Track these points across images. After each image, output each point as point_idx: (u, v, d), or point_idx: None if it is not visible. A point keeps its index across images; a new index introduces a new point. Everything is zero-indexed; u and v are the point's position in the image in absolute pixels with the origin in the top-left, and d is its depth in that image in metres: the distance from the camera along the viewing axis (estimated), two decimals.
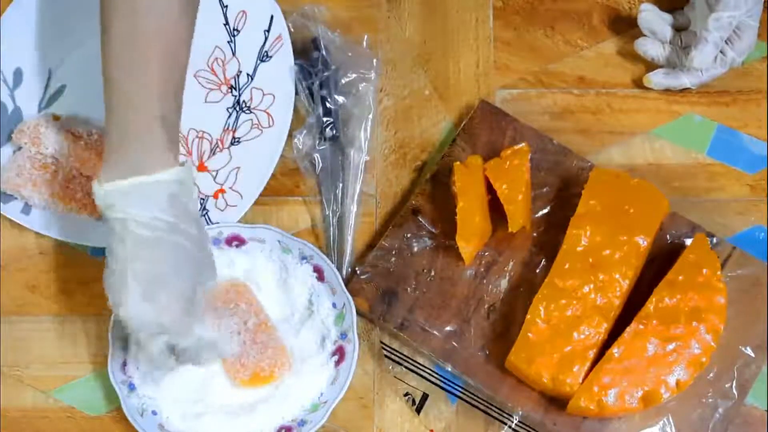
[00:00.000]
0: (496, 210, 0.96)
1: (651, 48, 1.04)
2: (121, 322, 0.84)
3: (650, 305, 0.90)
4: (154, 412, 0.93)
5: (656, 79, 1.04)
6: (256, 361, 0.93)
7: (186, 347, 0.85)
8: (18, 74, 1.04)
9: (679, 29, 1.04)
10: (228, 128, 1.03)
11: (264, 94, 1.04)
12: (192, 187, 0.85)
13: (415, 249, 0.98)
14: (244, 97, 1.04)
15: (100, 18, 0.85)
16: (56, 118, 1.02)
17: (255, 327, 0.94)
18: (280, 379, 0.93)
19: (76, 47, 1.06)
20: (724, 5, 0.98)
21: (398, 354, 0.96)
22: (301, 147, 1.02)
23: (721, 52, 1.01)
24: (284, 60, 1.04)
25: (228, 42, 1.06)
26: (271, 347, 0.93)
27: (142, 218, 0.81)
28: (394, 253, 0.97)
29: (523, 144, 0.97)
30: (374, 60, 1.05)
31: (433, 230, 0.98)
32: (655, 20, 1.03)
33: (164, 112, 0.83)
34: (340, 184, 1.01)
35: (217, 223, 0.99)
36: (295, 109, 1.03)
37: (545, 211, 0.99)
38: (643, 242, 0.93)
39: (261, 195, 1.00)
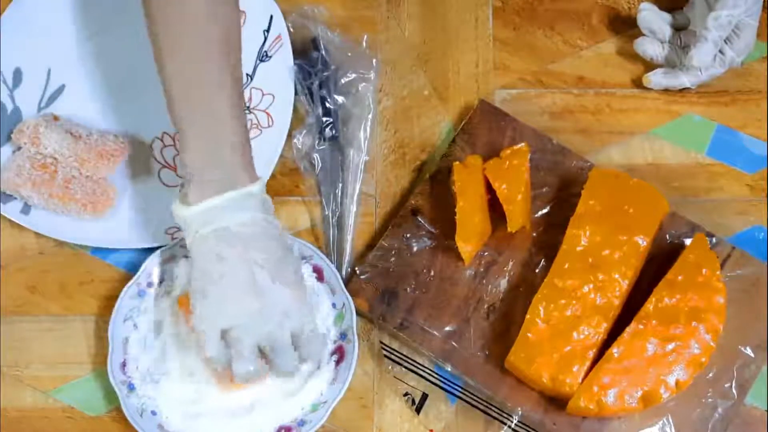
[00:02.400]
0: (495, 210, 0.96)
1: (650, 47, 1.04)
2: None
3: (650, 305, 0.90)
4: (153, 412, 0.93)
5: (655, 78, 1.04)
6: None
7: (300, 337, 0.87)
8: (17, 74, 1.04)
9: (678, 29, 1.04)
10: None
11: (263, 94, 1.04)
12: (267, 197, 0.90)
13: (415, 249, 0.98)
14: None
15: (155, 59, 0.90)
16: (56, 118, 1.02)
17: None
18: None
19: (76, 47, 1.06)
20: (723, 4, 0.98)
21: (398, 354, 0.96)
22: (300, 147, 1.02)
23: (721, 51, 1.01)
24: (284, 60, 1.04)
25: None
26: None
27: (245, 221, 0.86)
28: (393, 253, 0.97)
29: (523, 144, 0.97)
30: (374, 60, 1.05)
31: (433, 230, 0.98)
32: (654, 20, 1.03)
33: (240, 130, 0.89)
34: (340, 184, 1.01)
35: None
36: (295, 109, 1.03)
37: (545, 211, 0.99)
38: (643, 242, 0.93)
39: None
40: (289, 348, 0.87)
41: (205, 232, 0.86)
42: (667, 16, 1.04)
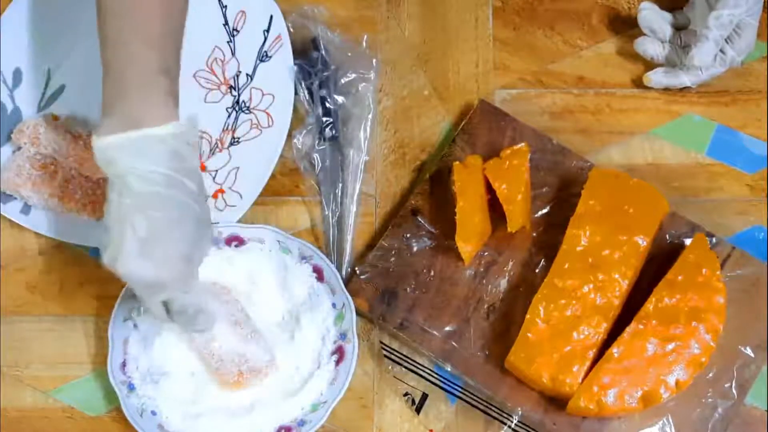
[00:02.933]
0: (495, 210, 0.96)
1: (650, 47, 1.04)
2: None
3: (650, 305, 0.90)
4: (153, 412, 0.93)
5: (656, 77, 1.04)
6: (237, 365, 0.93)
7: (183, 307, 0.84)
8: (17, 74, 1.04)
9: (679, 28, 1.04)
10: (227, 128, 1.04)
11: (263, 94, 1.04)
12: (194, 144, 0.82)
13: (415, 249, 0.98)
14: (244, 97, 1.04)
15: None
16: (55, 118, 1.02)
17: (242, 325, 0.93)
18: (261, 383, 0.94)
19: (75, 47, 1.06)
20: (724, 4, 0.98)
21: (398, 354, 0.96)
22: (300, 147, 1.02)
23: (721, 51, 1.01)
24: (284, 60, 1.04)
25: (227, 42, 1.06)
26: (251, 353, 0.93)
27: (140, 172, 0.79)
28: (393, 253, 0.97)
29: (523, 144, 0.97)
30: (374, 60, 1.05)
31: (433, 230, 0.98)
32: (654, 19, 1.03)
33: (163, 64, 0.81)
34: (340, 184, 1.01)
35: (217, 223, 0.99)
36: (295, 109, 1.03)
37: (545, 211, 0.99)
38: (643, 242, 0.93)
39: (260, 195, 1.00)
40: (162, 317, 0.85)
41: (108, 171, 0.81)
42: (667, 16, 1.04)
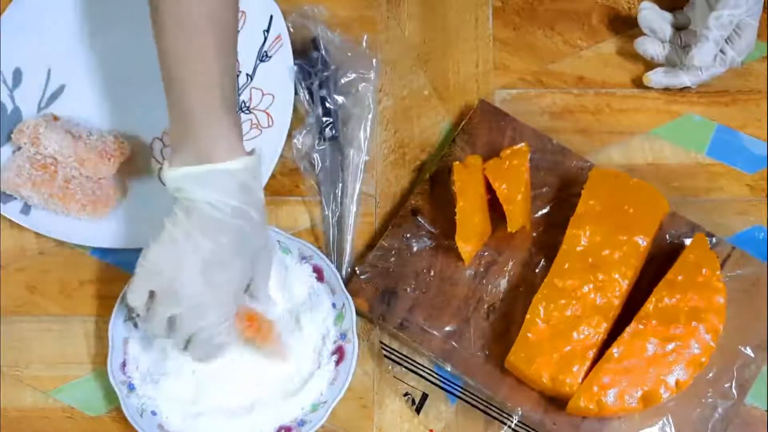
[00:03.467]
0: (495, 210, 0.96)
1: (650, 47, 1.04)
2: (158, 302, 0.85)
3: (650, 305, 0.90)
4: (153, 412, 0.93)
5: (656, 77, 1.04)
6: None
7: (210, 337, 0.86)
8: (17, 74, 1.04)
9: (679, 28, 1.04)
10: None
11: (263, 94, 1.04)
12: (259, 175, 0.86)
13: (415, 249, 0.98)
14: (244, 97, 1.04)
15: (150, 12, 0.86)
16: (56, 118, 1.02)
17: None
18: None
19: (75, 47, 1.06)
20: (724, 4, 0.98)
21: (398, 354, 0.96)
22: (300, 147, 1.02)
23: (721, 51, 1.01)
24: (284, 60, 1.04)
25: None
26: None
27: (211, 200, 0.83)
28: (393, 253, 0.97)
29: (523, 144, 0.97)
30: (374, 60, 1.05)
31: (433, 230, 0.98)
32: (654, 19, 1.03)
33: (224, 101, 0.85)
34: (340, 184, 1.01)
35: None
36: (295, 109, 1.03)
37: (545, 211, 0.99)
38: (643, 242, 0.93)
39: None
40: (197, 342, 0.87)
41: (177, 197, 0.84)
42: (667, 16, 1.04)
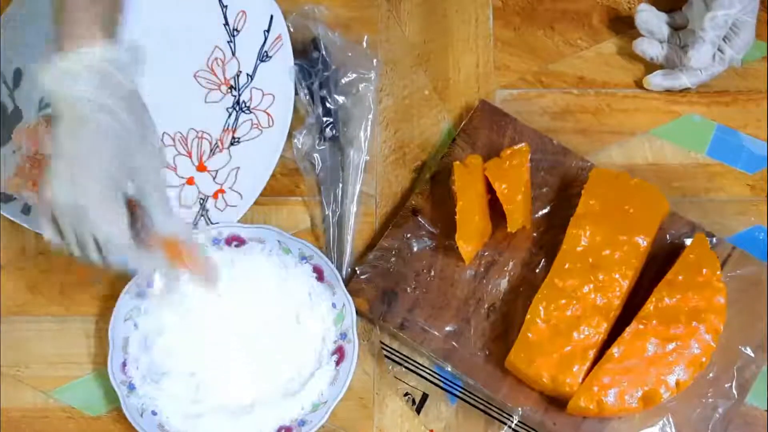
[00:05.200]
0: (496, 210, 0.96)
1: (649, 48, 1.04)
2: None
3: (650, 305, 0.90)
4: (153, 412, 0.93)
5: (655, 80, 1.04)
6: None
7: (107, 243, 0.82)
8: (17, 74, 1.04)
9: (677, 28, 1.04)
10: (228, 128, 1.04)
11: (264, 94, 1.04)
12: (131, 66, 0.81)
13: (415, 249, 0.98)
14: (244, 97, 1.04)
15: None
16: None
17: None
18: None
19: None
20: (719, 4, 0.98)
21: (398, 354, 0.96)
22: (301, 147, 1.02)
23: (720, 50, 1.01)
24: (284, 60, 1.04)
25: (228, 42, 1.06)
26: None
27: (69, 97, 0.79)
28: (393, 253, 0.97)
29: (523, 144, 0.97)
30: (374, 60, 1.05)
31: (433, 230, 0.98)
32: (652, 20, 1.04)
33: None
34: (340, 184, 1.01)
35: (217, 223, 0.99)
36: (295, 109, 1.03)
37: (545, 211, 0.99)
38: (643, 242, 0.93)
39: (261, 195, 1.00)
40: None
41: (50, 99, 0.81)
42: (665, 16, 1.04)
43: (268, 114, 1.03)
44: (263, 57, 1.05)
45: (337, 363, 0.94)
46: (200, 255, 0.90)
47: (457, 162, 0.97)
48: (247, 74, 1.05)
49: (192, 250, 0.89)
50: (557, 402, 0.91)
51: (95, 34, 0.80)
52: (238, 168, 1.02)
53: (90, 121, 0.79)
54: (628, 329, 0.89)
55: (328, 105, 1.03)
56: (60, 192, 0.79)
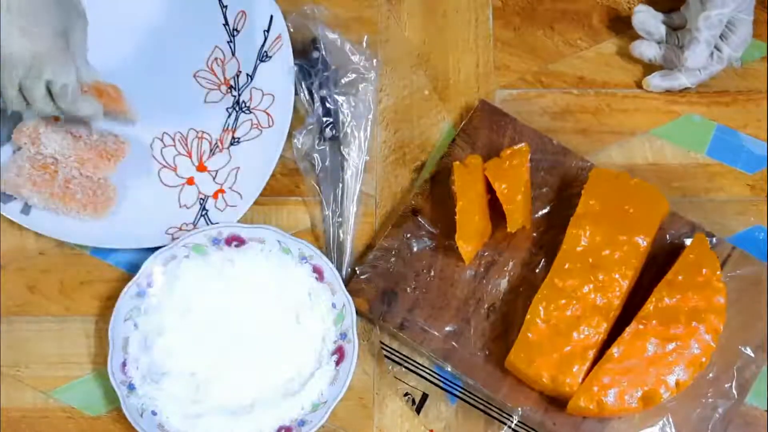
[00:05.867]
0: (496, 210, 0.96)
1: (646, 50, 1.04)
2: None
3: (650, 305, 0.90)
4: (153, 413, 0.93)
5: (654, 81, 1.04)
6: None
7: (64, 88, 0.86)
8: None
9: (676, 29, 1.04)
10: (228, 128, 1.04)
11: (264, 94, 1.04)
12: None
13: (415, 249, 0.98)
14: (244, 97, 1.04)
15: None
16: (56, 118, 1.02)
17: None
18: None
19: None
20: (712, 4, 0.98)
21: (398, 354, 0.96)
22: (300, 147, 1.02)
23: (717, 49, 1.01)
24: (284, 60, 1.04)
25: (227, 42, 1.06)
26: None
27: None
28: (393, 253, 0.97)
29: (523, 144, 0.97)
30: (374, 60, 1.05)
31: (433, 230, 0.98)
32: (649, 21, 1.04)
33: None
34: (340, 184, 1.01)
35: (217, 223, 0.99)
36: (295, 109, 1.03)
37: (545, 211, 0.99)
38: (643, 242, 0.93)
39: (261, 195, 1.00)
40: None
41: None
42: (663, 17, 1.04)
43: (268, 114, 1.03)
44: (263, 57, 1.05)
45: (337, 363, 0.94)
46: (119, 92, 0.97)
47: (457, 162, 0.97)
48: (247, 74, 1.05)
49: (112, 90, 0.96)
50: (557, 402, 0.91)
51: None
52: (238, 168, 1.02)
53: None
54: (627, 329, 0.89)
55: (328, 105, 1.03)
56: (11, 44, 0.83)
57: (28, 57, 0.83)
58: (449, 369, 0.94)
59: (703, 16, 0.98)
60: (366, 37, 1.06)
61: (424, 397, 0.95)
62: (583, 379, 0.89)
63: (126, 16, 1.06)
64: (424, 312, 0.95)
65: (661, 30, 1.04)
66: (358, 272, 0.97)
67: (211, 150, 1.03)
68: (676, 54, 1.03)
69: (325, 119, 1.02)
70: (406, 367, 0.95)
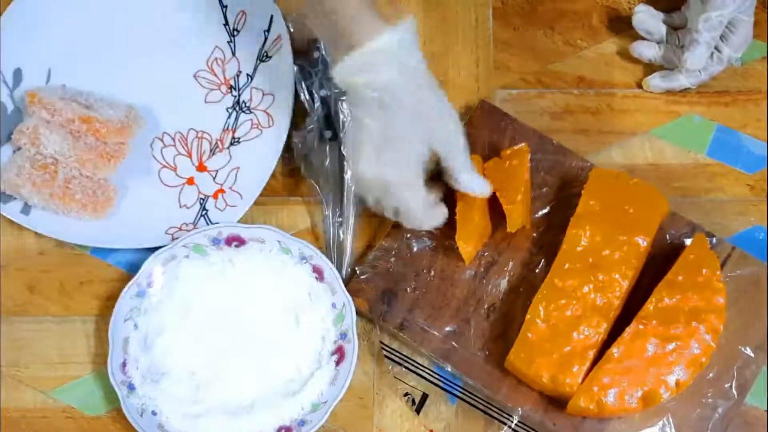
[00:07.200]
0: (496, 210, 0.96)
1: (646, 50, 1.04)
2: None
3: (650, 305, 0.90)
4: (153, 413, 0.93)
5: (654, 82, 1.04)
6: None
7: (409, 212, 0.91)
8: (18, 74, 1.04)
9: (677, 28, 1.04)
10: (228, 128, 1.04)
11: (264, 94, 1.04)
12: (413, 43, 0.88)
13: (415, 249, 0.98)
14: (244, 97, 1.04)
15: None
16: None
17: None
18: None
19: (75, 47, 1.06)
20: (712, 5, 0.98)
21: (398, 354, 0.96)
22: (300, 147, 1.02)
23: (717, 49, 1.01)
24: (284, 60, 1.04)
25: (228, 42, 1.06)
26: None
27: (369, 83, 0.86)
28: (393, 253, 0.97)
29: (523, 144, 0.97)
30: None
31: (433, 230, 0.98)
32: (649, 21, 1.04)
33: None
34: (340, 184, 1.01)
35: (217, 223, 0.99)
36: (295, 110, 1.03)
37: (545, 211, 0.99)
38: (643, 242, 0.93)
39: (261, 195, 1.00)
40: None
41: (348, 92, 0.89)
42: (663, 17, 1.04)
43: (268, 114, 1.03)
44: (263, 57, 1.05)
45: (337, 363, 0.94)
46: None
47: None
48: (247, 74, 1.05)
49: (106, 123, 0.98)
50: (557, 402, 0.91)
51: (377, 23, 0.87)
52: (238, 168, 1.02)
53: (391, 102, 0.87)
54: (627, 329, 0.89)
55: (328, 105, 1.03)
56: (367, 169, 0.88)
57: (380, 182, 0.87)
58: (449, 369, 0.94)
59: (703, 18, 0.98)
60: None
61: (424, 397, 0.95)
62: (583, 380, 0.89)
63: (126, 16, 1.06)
64: (424, 312, 0.95)
65: (662, 30, 1.04)
66: (358, 272, 0.97)
67: (211, 150, 1.03)
68: (676, 54, 1.03)
69: (325, 119, 1.02)
70: (406, 367, 0.95)
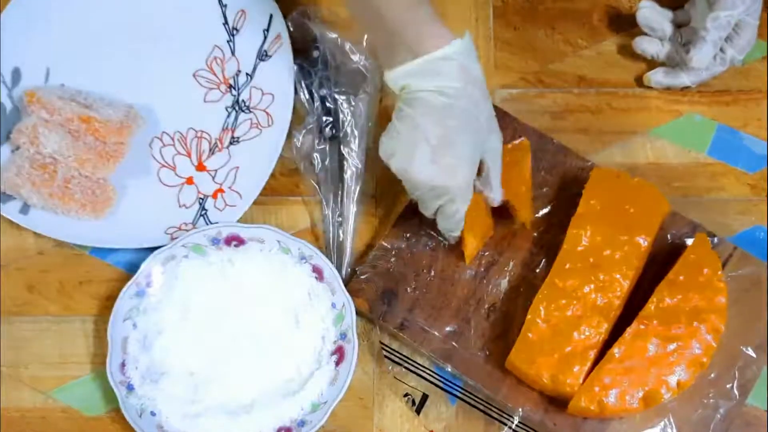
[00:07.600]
0: (496, 209, 0.96)
1: (649, 46, 1.04)
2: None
3: (651, 305, 0.90)
4: (152, 413, 0.93)
5: (656, 77, 1.03)
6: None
7: (454, 212, 0.90)
8: (16, 73, 1.04)
9: (680, 26, 1.04)
10: (227, 128, 1.03)
11: (263, 94, 1.04)
12: (473, 53, 0.89)
13: (415, 249, 0.97)
14: (244, 96, 1.04)
15: None
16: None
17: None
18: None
19: (75, 47, 1.06)
20: (721, 5, 0.98)
21: (398, 354, 0.96)
22: (300, 147, 1.02)
23: (721, 50, 1.01)
24: (284, 59, 1.04)
25: (227, 41, 1.06)
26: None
27: (434, 88, 0.87)
28: (394, 253, 0.97)
29: (524, 138, 0.97)
30: (374, 59, 1.04)
31: (433, 230, 0.98)
32: (653, 17, 1.03)
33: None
34: (340, 184, 1.01)
35: (217, 222, 0.99)
36: (295, 109, 1.02)
37: (545, 211, 0.98)
38: (644, 242, 0.92)
39: (260, 195, 1.00)
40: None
41: (402, 96, 0.89)
42: (667, 13, 1.04)
43: (268, 113, 1.03)
44: (263, 56, 1.05)
45: (337, 363, 0.94)
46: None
47: None
48: (247, 73, 1.05)
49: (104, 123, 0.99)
50: (558, 402, 0.91)
51: (447, 33, 0.88)
52: (238, 168, 1.02)
53: (454, 108, 0.87)
54: (628, 329, 0.89)
55: (327, 104, 1.03)
56: (421, 171, 0.88)
57: (433, 184, 0.88)
58: (449, 369, 0.93)
59: (712, 17, 0.98)
60: (366, 36, 1.06)
61: (424, 397, 0.95)
62: (584, 380, 0.89)
63: (125, 15, 1.06)
64: (424, 312, 0.95)
65: (665, 26, 1.03)
66: (358, 272, 0.97)
67: (210, 149, 1.03)
68: (679, 51, 1.03)
69: (325, 119, 1.02)
70: (406, 368, 0.95)
